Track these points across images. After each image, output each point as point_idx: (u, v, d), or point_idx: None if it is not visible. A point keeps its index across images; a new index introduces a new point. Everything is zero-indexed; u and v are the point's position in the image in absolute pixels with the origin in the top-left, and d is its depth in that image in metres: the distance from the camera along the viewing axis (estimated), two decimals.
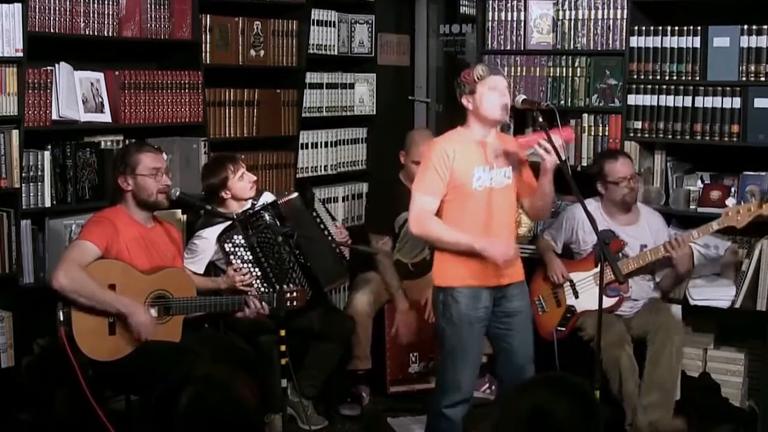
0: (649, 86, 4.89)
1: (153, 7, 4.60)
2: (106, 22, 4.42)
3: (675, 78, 4.83)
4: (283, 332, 3.64)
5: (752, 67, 4.65)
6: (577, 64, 5.10)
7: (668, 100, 4.85)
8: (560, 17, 5.12)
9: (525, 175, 3.96)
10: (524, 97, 3.95)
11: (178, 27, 4.72)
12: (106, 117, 4.52)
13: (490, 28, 5.30)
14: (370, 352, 4.98)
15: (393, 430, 4.74)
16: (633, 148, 4.94)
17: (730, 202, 4.48)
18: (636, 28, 4.91)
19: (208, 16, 4.87)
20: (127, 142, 4.56)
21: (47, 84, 4.23)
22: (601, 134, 5.06)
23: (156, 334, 3.82)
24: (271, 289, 4.25)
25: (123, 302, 3.75)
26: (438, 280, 3.88)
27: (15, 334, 4.18)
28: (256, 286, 4.29)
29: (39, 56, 4.20)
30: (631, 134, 4.95)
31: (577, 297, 4.65)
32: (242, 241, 4.28)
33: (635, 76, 4.92)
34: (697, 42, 4.76)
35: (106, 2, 4.41)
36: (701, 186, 4.90)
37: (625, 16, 4.95)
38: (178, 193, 4.05)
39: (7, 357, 4.16)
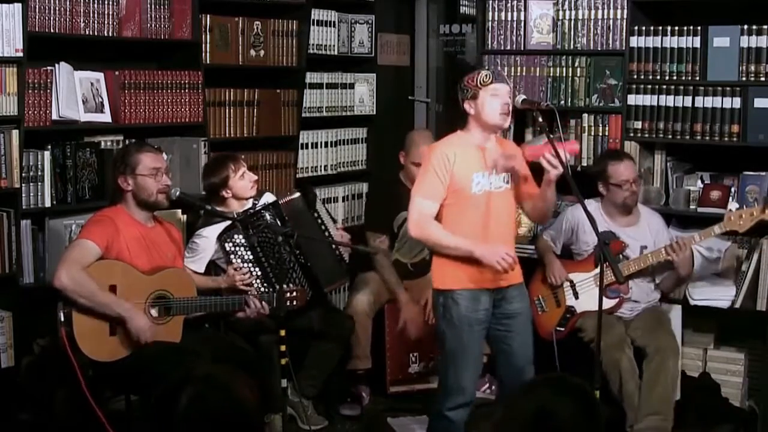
0: (649, 86, 4.89)
1: (153, 7, 4.60)
2: (106, 22, 4.42)
3: (675, 78, 4.83)
4: (283, 332, 3.64)
5: (752, 67, 4.65)
6: (577, 64, 5.10)
7: (668, 100, 4.84)
8: (560, 17, 5.12)
9: (526, 180, 3.95)
10: (524, 97, 3.95)
11: (178, 27, 4.72)
12: (106, 117, 4.52)
13: (490, 28, 5.30)
14: (370, 352, 4.98)
15: (393, 430, 4.74)
16: (633, 148, 4.94)
17: (733, 206, 4.47)
18: (636, 28, 4.91)
19: (208, 16, 4.87)
20: (127, 142, 4.56)
21: (47, 84, 4.23)
22: (601, 134, 5.06)
23: (156, 335, 3.82)
24: (271, 289, 4.25)
25: (122, 306, 3.74)
26: (437, 283, 3.88)
27: (15, 334, 4.17)
28: (256, 285, 4.29)
29: (39, 56, 4.19)
30: (631, 134, 4.95)
31: (577, 298, 4.65)
32: (243, 241, 4.28)
33: (635, 76, 4.92)
34: (697, 42, 4.76)
35: (106, 2, 4.41)
36: (701, 186, 4.90)
37: (625, 16, 4.94)
38: (178, 193, 4.05)
39: (7, 357, 4.16)
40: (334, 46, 5.58)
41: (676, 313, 4.80)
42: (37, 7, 4.14)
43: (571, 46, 5.11)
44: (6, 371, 4.15)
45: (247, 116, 5.12)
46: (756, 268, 4.64)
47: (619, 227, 4.62)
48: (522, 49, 5.23)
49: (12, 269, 4.17)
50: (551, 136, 3.81)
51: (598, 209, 4.62)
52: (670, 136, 4.87)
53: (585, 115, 5.10)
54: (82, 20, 4.33)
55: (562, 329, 4.64)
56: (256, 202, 4.53)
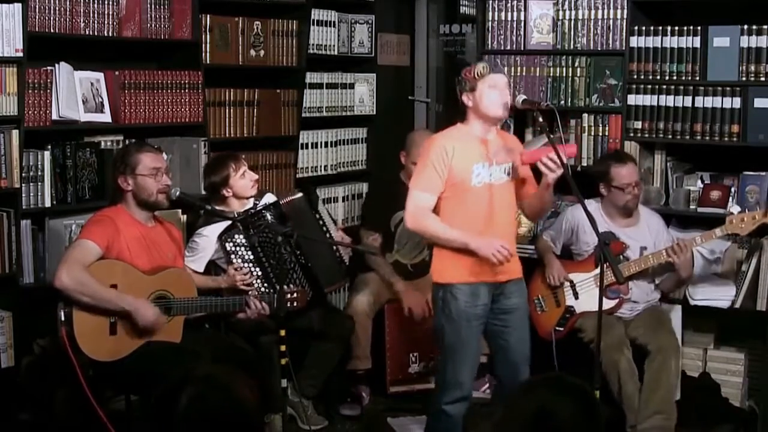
0: (649, 86, 4.89)
1: (153, 7, 4.60)
2: (106, 22, 4.42)
3: (675, 78, 4.83)
4: (283, 332, 3.64)
5: (752, 67, 4.65)
6: (577, 64, 5.10)
7: (668, 100, 4.84)
8: (560, 17, 5.12)
9: (525, 177, 3.95)
10: (524, 97, 3.95)
11: (178, 27, 4.72)
12: (106, 117, 4.52)
13: (490, 28, 5.30)
14: (370, 352, 4.98)
15: (393, 430, 4.75)
16: (633, 148, 4.94)
17: (735, 209, 4.47)
18: (636, 28, 4.91)
19: (208, 16, 4.87)
20: (127, 142, 4.56)
21: (47, 84, 4.23)
22: (601, 134, 5.06)
23: (157, 335, 3.82)
24: (271, 290, 4.25)
25: (126, 300, 3.75)
26: (436, 277, 3.89)
27: (15, 334, 4.17)
28: (256, 285, 4.30)
29: (39, 56, 4.19)
30: (631, 134, 4.95)
31: (576, 298, 4.65)
32: (243, 241, 4.28)
33: (635, 76, 4.92)
34: (697, 42, 4.76)
35: (106, 2, 4.41)
36: (701, 186, 4.90)
37: (625, 16, 4.94)
38: (178, 193, 4.05)
39: (7, 357, 4.16)
40: (334, 46, 5.58)
41: (676, 313, 4.80)
42: (37, 7, 4.14)
43: (571, 46, 5.11)
44: (6, 371, 4.15)
45: (247, 116, 5.12)
46: (756, 268, 4.64)
47: (618, 228, 4.62)
48: (522, 49, 5.23)
49: (12, 269, 4.17)
50: (551, 136, 3.82)
51: (598, 209, 4.62)
52: (670, 136, 4.87)
53: (585, 115, 5.10)
54: (82, 20, 4.33)
55: (562, 329, 4.64)
56: (257, 202, 4.53)
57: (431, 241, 3.92)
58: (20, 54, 4.06)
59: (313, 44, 5.41)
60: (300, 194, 4.56)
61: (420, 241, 5.00)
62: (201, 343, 3.95)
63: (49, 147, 4.31)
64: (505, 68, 5.15)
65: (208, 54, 4.88)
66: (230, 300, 4.13)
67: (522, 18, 5.21)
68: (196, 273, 4.30)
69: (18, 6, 4.03)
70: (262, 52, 5.15)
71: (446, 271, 3.84)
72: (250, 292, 4.23)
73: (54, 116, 4.28)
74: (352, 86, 5.76)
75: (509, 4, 5.23)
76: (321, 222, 4.54)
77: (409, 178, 4.78)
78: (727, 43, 4.69)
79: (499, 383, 4.05)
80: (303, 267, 4.43)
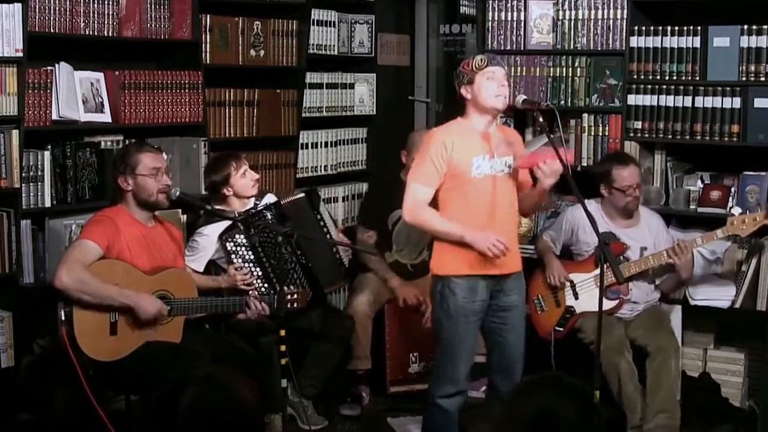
0: (649, 86, 4.89)
1: (153, 7, 4.60)
2: (106, 22, 4.42)
3: (675, 78, 4.83)
4: (283, 332, 3.64)
5: (752, 67, 4.65)
6: (577, 64, 5.10)
7: (668, 100, 4.84)
8: (560, 17, 5.12)
9: (520, 175, 3.95)
10: (524, 97, 3.95)
11: (178, 27, 4.72)
12: (106, 117, 4.52)
13: (490, 28, 5.29)
14: (370, 352, 4.98)
15: (393, 430, 4.75)
16: (633, 148, 4.94)
17: (736, 210, 4.47)
18: (636, 28, 4.91)
19: (208, 16, 4.87)
20: (127, 142, 4.56)
21: (47, 84, 4.23)
22: (601, 134, 5.06)
23: (157, 335, 3.82)
24: (271, 290, 4.25)
25: (125, 295, 3.75)
26: (435, 269, 3.90)
27: (15, 334, 4.17)
28: (256, 285, 4.30)
29: (39, 56, 4.19)
30: (631, 134, 4.95)
31: (576, 298, 4.65)
32: (244, 241, 4.28)
33: (635, 76, 4.92)
34: (697, 42, 4.76)
35: (106, 2, 4.41)
36: (701, 186, 4.90)
37: (625, 16, 4.94)
38: (178, 193, 4.05)
39: (7, 357, 4.16)
40: (334, 46, 5.58)
41: (676, 314, 4.80)
42: (37, 7, 4.14)
43: (571, 46, 5.11)
44: (6, 371, 4.15)
45: (247, 116, 5.12)
46: (756, 268, 4.64)
47: (619, 228, 4.62)
48: (522, 49, 5.23)
49: (12, 269, 4.17)
50: (551, 136, 3.81)
51: (598, 210, 4.62)
52: (670, 136, 4.87)
53: (585, 115, 5.10)
54: (82, 20, 4.33)
55: (561, 329, 4.64)
56: (258, 202, 4.53)
57: (428, 233, 3.92)
58: (20, 54, 4.06)
59: (313, 44, 5.41)
60: (302, 194, 4.57)
61: (420, 242, 5.00)
62: (201, 344, 3.95)
63: (49, 147, 4.31)
64: (506, 68, 5.15)
65: (208, 54, 4.88)
66: (230, 300, 4.13)
67: (522, 18, 5.21)
68: (196, 272, 4.30)
69: (18, 6, 4.03)
70: (262, 52, 5.15)
71: (445, 263, 3.85)
72: (250, 292, 4.23)
73: (54, 116, 4.28)
74: (352, 86, 5.76)
75: (509, 4, 5.23)
76: (322, 223, 4.54)
77: None
78: (727, 43, 4.69)
79: (492, 381, 4.05)
80: (303, 267, 4.43)
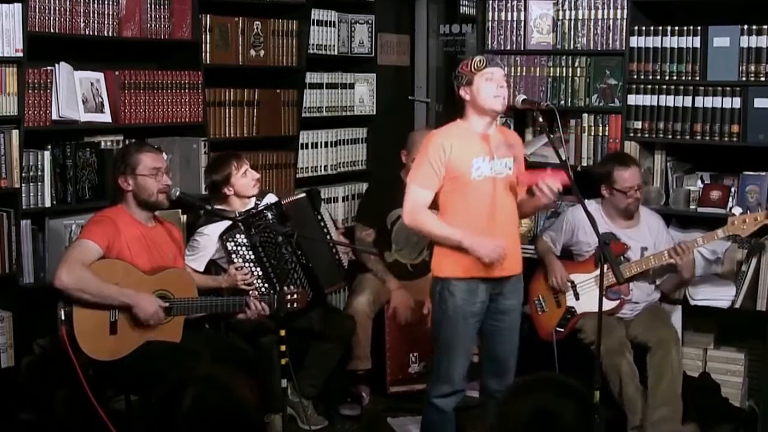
0: (649, 86, 4.89)
1: (153, 7, 4.60)
2: (106, 22, 4.42)
3: (675, 78, 4.83)
4: (283, 332, 3.64)
5: (752, 67, 4.65)
6: (577, 64, 5.10)
7: (668, 100, 4.84)
8: (560, 17, 5.12)
9: (521, 176, 3.95)
10: (524, 97, 3.95)
11: (178, 27, 4.72)
12: (106, 117, 4.52)
13: (490, 28, 5.30)
14: (370, 352, 4.98)
15: (393, 430, 4.75)
16: (633, 148, 4.94)
17: (737, 210, 4.47)
18: (636, 28, 4.91)
19: (208, 16, 4.87)
20: (127, 142, 4.56)
21: (47, 84, 4.23)
22: (601, 134, 5.06)
23: (157, 334, 3.82)
24: (272, 290, 4.25)
25: (125, 294, 3.75)
26: (435, 270, 3.90)
27: (15, 334, 4.18)
28: (257, 285, 4.30)
29: (39, 56, 4.20)
30: (631, 134, 4.95)
31: (577, 298, 4.64)
32: (245, 240, 4.28)
33: (635, 76, 4.92)
34: (697, 42, 4.76)
35: (106, 2, 4.41)
36: (701, 186, 4.90)
37: (625, 16, 4.94)
38: (178, 193, 4.05)
39: (7, 357, 4.17)
40: (334, 46, 5.58)
41: (676, 314, 4.80)
42: (37, 7, 4.14)
43: (571, 46, 5.11)
44: (6, 371, 4.15)
45: (247, 116, 5.12)
46: (756, 268, 4.64)
47: (619, 229, 4.62)
48: (522, 49, 5.23)
49: (12, 269, 4.17)
50: (551, 136, 3.81)
51: (598, 210, 4.62)
52: (670, 136, 4.87)
53: (585, 115, 5.10)
54: (82, 20, 4.33)
55: (562, 330, 4.64)
56: (258, 202, 4.53)
57: (427, 238, 3.92)
58: (20, 54, 4.07)
59: (313, 44, 5.41)
60: (303, 195, 4.57)
61: (420, 242, 5.00)
62: (201, 343, 3.95)
63: (49, 147, 4.31)
64: (505, 68, 5.15)
65: (208, 54, 4.88)
66: (230, 300, 4.13)
67: (522, 18, 5.21)
68: (196, 272, 4.30)
69: (18, 6, 4.03)
70: (262, 52, 5.15)
71: (445, 265, 3.85)
72: (250, 292, 4.23)
73: (54, 116, 4.29)
74: (352, 86, 5.76)
75: (509, 4, 5.23)
76: (322, 224, 4.54)
77: None
78: (727, 43, 4.68)
79: (484, 382, 4.05)
80: (304, 267, 4.43)
